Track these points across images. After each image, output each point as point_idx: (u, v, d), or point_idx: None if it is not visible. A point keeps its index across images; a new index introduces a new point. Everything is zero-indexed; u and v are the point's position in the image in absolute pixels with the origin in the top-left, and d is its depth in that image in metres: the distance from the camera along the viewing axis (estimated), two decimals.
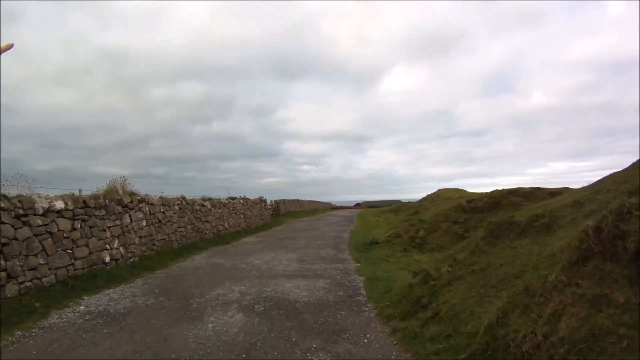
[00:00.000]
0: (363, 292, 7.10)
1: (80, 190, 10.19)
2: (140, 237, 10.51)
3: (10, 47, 6.04)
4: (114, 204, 9.62)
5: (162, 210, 11.96)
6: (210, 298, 6.71)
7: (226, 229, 17.46)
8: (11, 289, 6.38)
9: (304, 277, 8.36)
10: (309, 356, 4.29)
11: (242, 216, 20.02)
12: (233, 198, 19.96)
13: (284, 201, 34.55)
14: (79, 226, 8.30)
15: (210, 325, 5.34)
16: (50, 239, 7.46)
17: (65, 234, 7.86)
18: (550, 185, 13.95)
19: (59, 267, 7.59)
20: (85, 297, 6.96)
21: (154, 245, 11.18)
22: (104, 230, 9.06)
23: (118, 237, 9.53)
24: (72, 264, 8.00)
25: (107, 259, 8.99)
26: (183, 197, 14.05)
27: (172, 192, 14.47)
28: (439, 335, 4.40)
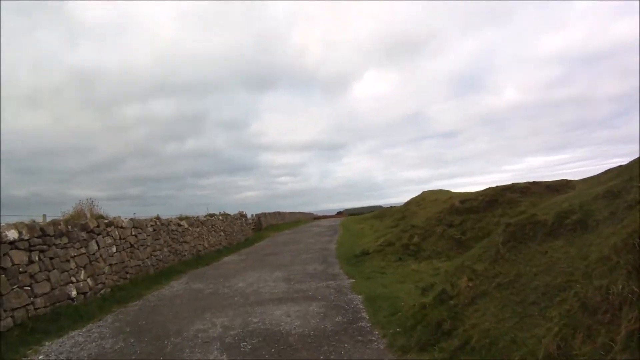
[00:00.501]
0: (365, 315, 6.35)
1: (44, 216, 9.24)
2: (110, 265, 9.57)
3: None
4: (78, 229, 8.70)
5: (134, 234, 11.03)
6: (188, 336, 5.88)
7: (206, 248, 16.53)
8: None
9: (294, 300, 7.63)
10: None
11: (222, 233, 19.10)
12: (212, 215, 19.05)
13: (265, 214, 33.67)
14: (37, 258, 7.38)
15: None
16: (3, 275, 6.55)
17: (21, 269, 6.94)
18: (524, 180, 13.58)
19: (17, 308, 6.67)
20: (47, 343, 6.06)
21: (127, 273, 10.24)
22: (68, 261, 8.13)
23: (85, 267, 8.60)
24: (32, 303, 7.08)
25: (74, 293, 8.06)
26: (157, 218, 13.14)
27: (149, 212, 13.61)
28: None
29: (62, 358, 5.37)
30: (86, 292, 8.43)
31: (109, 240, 9.74)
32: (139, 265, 10.95)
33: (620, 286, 2.89)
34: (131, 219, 11.21)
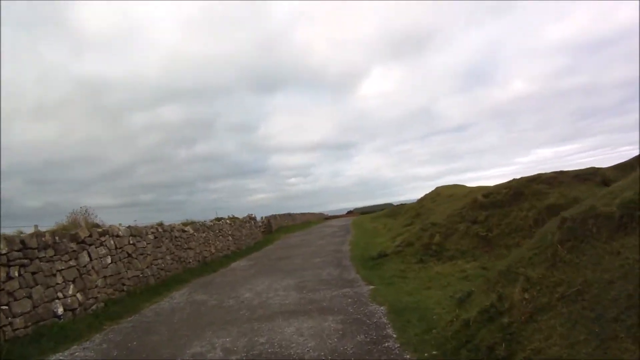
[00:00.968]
0: (391, 332, 5.30)
1: (35, 226, 8.47)
2: (104, 277, 8.70)
3: None
4: (67, 240, 7.86)
5: (131, 242, 10.17)
6: None
7: (213, 254, 15.66)
8: None
9: (307, 314, 6.65)
10: None
11: (230, 238, 18.23)
12: (219, 219, 18.21)
13: (275, 216, 32.78)
14: (16, 274, 6.55)
15: None
16: None
17: None
18: (536, 172, 12.52)
19: None
20: None
21: (123, 285, 9.37)
22: (54, 275, 7.30)
23: (74, 281, 7.75)
24: (10, 324, 6.26)
25: (60, 310, 7.22)
26: (160, 224, 12.30)
27: (162, 219, 12.89)
28: None
29: None
30: (75, 309, 7.57)
31: (102, 251, 8.88)
32: (138, 275, 10.09)
33: None
34: (129, 227, 10.37)
